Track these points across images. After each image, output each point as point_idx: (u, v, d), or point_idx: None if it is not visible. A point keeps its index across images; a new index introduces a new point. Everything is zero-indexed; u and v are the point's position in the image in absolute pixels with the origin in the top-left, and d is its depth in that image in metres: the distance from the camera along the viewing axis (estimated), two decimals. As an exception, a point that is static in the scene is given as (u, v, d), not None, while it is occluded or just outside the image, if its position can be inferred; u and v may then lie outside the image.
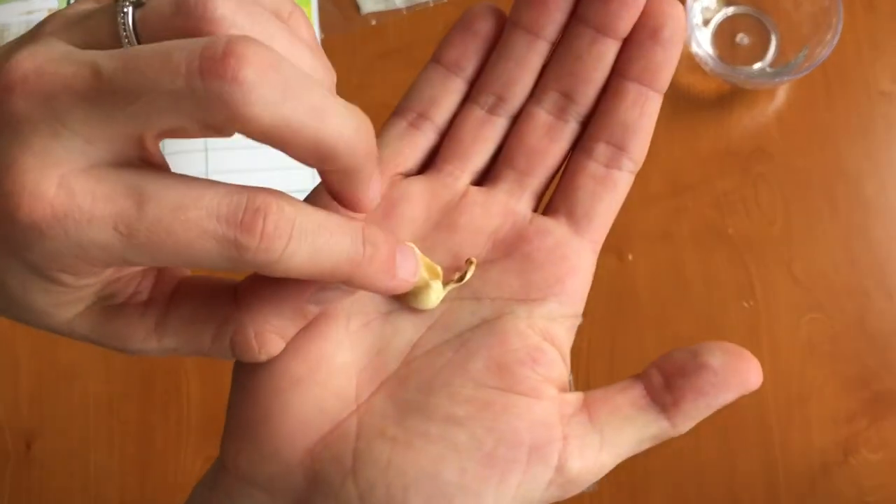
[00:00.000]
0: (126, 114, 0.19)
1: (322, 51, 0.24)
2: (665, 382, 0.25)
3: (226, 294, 0.23)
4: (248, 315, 0.23)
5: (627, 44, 0.26)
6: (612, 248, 0.64)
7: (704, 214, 0.64)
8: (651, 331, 0.62)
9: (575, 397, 0.25)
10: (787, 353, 0.62)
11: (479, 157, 0.27)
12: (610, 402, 0.25)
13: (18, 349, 0.62)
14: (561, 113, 0.26)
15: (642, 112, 0.26)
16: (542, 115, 0.26)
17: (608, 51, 0.25)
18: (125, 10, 0.20)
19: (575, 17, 0.26)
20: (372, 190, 0.23)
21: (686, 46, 0.66)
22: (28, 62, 0.19)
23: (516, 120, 0.27)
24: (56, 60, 0.19)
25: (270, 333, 0.23)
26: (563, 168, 0.27)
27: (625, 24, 0.25)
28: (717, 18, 0.68)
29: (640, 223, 0.64)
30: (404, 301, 0.25)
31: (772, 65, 0.67)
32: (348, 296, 0.23)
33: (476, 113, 0.27)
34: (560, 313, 0.25)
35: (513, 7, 0.27)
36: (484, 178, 0.27)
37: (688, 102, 0.66)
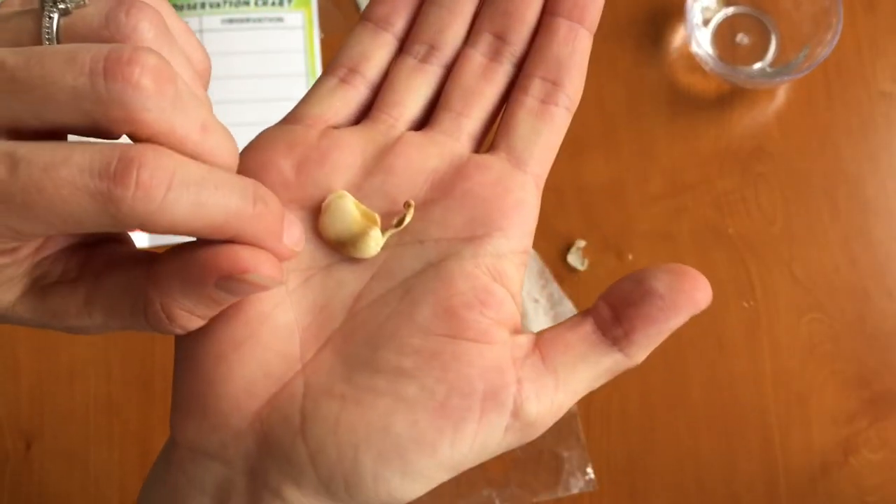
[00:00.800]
0: (19, 101, 0.19)
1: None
2: (613, 314, 0.24)
3: (142, 267, 0.23)
4: (155, 290, 0.22)
5: None
6: (612, 248, 0.64)
7: (704, 214, 0.64)
8: (651, 331, 0.62)
9: (526, 339, 0.24)
10: (787, 353, 0.62)
11: (413, 104, 0.27)
12: (561, 340, 0.24)
13: (18, 349, 0.62)
14: (495, 55, 0.27)
15: (574, 48, 0.26)
16: (476, 58, 0.27)
17: None
18: (51, 15, 0.21)
19: None
20: (290, 231, 0.23)
21: (686, 46, 0.66)
22: None
23: (451, 69, 0.27)
24: None
25: (179, 310, 0.22)
26: (501, 113, 0.27)
27: None
28: (717, 18, 0.68)
29: (640, 223, 0.64)
30: (343, 251, 0.24)
31: (772, 65, 0.67)
32: (260, 290, 0.22)
33: (408, 62, 0.27)
34: (508, 248, 0.24)
35: None
36: (421, 128, 0.27)
37: (688, 102, 0.66)
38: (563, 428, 0.61)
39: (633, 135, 0.66)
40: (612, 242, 0.64)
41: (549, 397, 0.24)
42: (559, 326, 0.25)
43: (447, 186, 0.25)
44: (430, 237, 0.24)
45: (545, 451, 0.61)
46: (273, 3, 0.68)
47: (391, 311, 0.24)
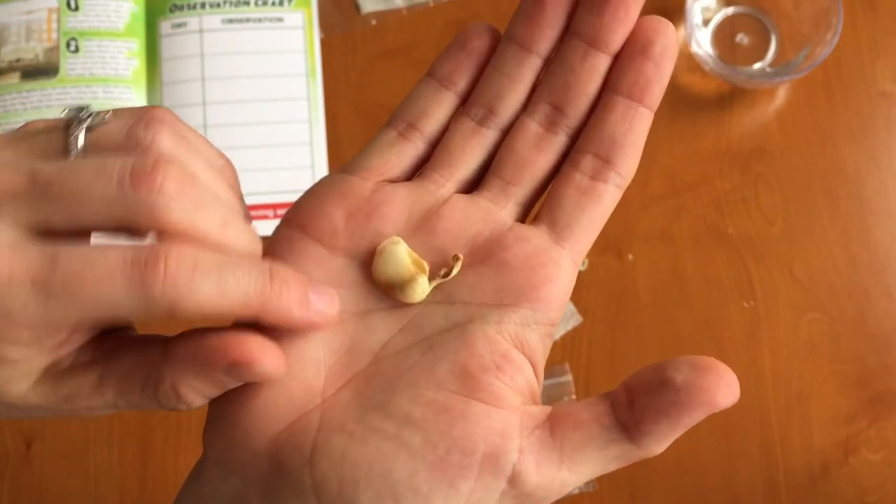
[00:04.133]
0: (54, 208, 0.22)
1: (243, 202, 0.27)
2: (628, 399, 0.24)
3: (157, 348, 0.25)
4: (169, 368, 0.24)
5: (619, 59, 0.26)
6: (612, 248, 0.64)
7: (704, 214, 0.64)
8: (651, 331, 0.62)
9: (540, 410, 0.24)
10: (787, 353, 0.62)
11: (465, 166, 0.27)
12: (574, 417, 0.24)
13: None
14: (551, 125, 0.27)
15: (630, 127, 0.26)
16: (532, 127, 0.27)
17: (600, 64, 0.26)
18: (76, 133, 0.23)
19: (568, 32, 0.27)
20: (316, 303, 0.24)
21: (686, 46, 0.66)
22: None
23: (507, 133, 0.28)
24: None
25: (187, 389, 0.24)
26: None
27: (617, 39, 0.26)
28: (717, 18, 0.68)
29: (640, 223, 0.64)
30: (392, 294, 0.25)
31: (772, 65, 0.67)
32: (262, 380, 0.24)
33: (466, 124, 0.28)
34: (534, 320, 0.25)
35: (509, 23, 0.27)
36: (473, 188, 0.28)
37: (688, 102, 0.66)
38: (563, 428, 0.61)
39: (632, 135, 0.66)
40: (611, 243, 0.64)
41: (552, 472, 0.23)
42: (578, 403, 0.24)
43: (485, 253, 0.26)
44: (461, 299, 0.25)
45: (545, 451, 0.61)
46: (273, 3, 0.68)
47: (413, 362, 0.25)
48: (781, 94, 0.66)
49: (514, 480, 0.23)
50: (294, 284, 0.24)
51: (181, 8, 0.67)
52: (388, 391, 0.24)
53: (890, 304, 0.63)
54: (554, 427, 0.24)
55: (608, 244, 0.64)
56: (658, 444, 0.24)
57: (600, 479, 0.60)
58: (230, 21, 0.67)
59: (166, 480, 0.61)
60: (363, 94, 0.66)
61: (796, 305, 0.63)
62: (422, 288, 0.25)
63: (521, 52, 0.27)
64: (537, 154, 0.27)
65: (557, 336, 0.62)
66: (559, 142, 0.27)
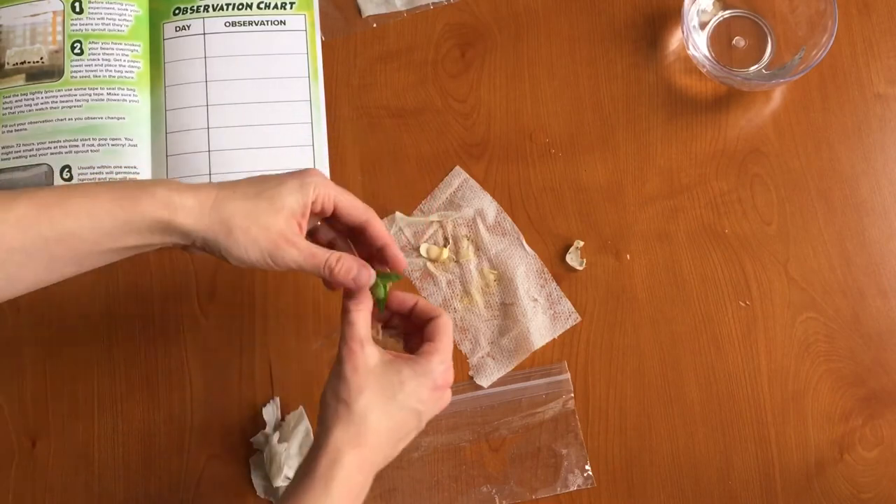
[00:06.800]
0: None
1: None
2: None
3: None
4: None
5: None
6: (610, 248, 0.64)
7: (701, 215, 0.65)
8: (648, 330, 0.63)
9: None
10: (782, 352, 0.63)
11: None
12: None
13: (24, 349, 0.63)
14: None
15: None
16: None
17: None
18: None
19: None
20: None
21: (683, 49, 0.67)
22: None
23: None
24: None
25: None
26: None
27: None
28: (714, 21, 0.69)
29: (638, 223, 0.65)
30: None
31: (768, 67, 0.68)
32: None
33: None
34: None
35: None
36: None
37: (685, 104, 0.67)
38: (561, 426, 0.61)
39: (630, 136, 0.66)
40: (609, 243, 0.64)
41: None
42: None
43: None
44: None
45: (544, 448, 0.61)
46: (275, 7, 0.69)
47: None
48: (777, 96, 0.67)
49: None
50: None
51: (184, 11, 0.68)
52: None
53: (884, 304, 0.63)
54: None
55: (606, 244, 0.64)
56: None
57: (598, 476, 0.61)
58: (233, 24, 0.68)
59: (170, 479, 0.61)
60: (364, 95, 0.67)
61: (792, 304, 0.63)
62: None
63: None
64: None
65: (556, 335, 0.63)
66: None
